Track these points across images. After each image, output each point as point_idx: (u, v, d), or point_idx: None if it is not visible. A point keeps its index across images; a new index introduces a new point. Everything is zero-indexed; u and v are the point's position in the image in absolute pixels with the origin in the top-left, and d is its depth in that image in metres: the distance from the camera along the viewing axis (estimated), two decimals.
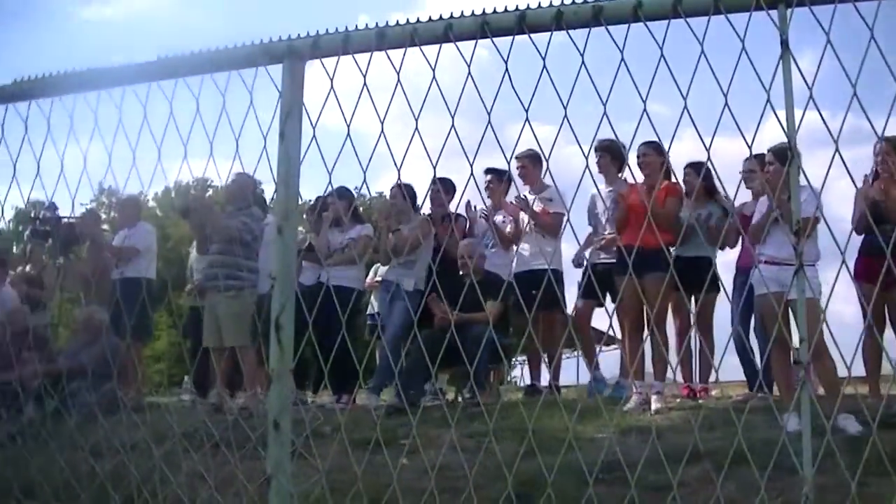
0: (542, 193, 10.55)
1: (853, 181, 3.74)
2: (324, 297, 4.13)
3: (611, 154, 9.85)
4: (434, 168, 3.53)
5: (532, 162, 10.51)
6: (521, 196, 10.62)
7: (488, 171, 10.76)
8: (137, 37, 64.98)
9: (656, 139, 7.76)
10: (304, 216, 11.50)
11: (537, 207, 10.48)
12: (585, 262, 10.40)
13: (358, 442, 5.50)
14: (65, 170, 4.64)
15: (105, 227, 13.65)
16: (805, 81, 3.28)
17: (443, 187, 10.25)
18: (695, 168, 9.41)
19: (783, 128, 3.31)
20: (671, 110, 3.48)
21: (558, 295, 9.33)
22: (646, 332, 9.09)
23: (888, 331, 8.46)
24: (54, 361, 10.46)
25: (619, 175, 9.91)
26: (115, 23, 72.81)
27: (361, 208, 14.08)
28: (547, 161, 3.61)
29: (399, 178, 3.68)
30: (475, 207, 10.78)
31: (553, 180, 10.74)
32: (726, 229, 9.37)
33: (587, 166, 3.47)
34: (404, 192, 9.87)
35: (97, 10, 76.46)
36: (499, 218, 10.91)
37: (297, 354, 3.64)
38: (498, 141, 3.42)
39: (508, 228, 10.74)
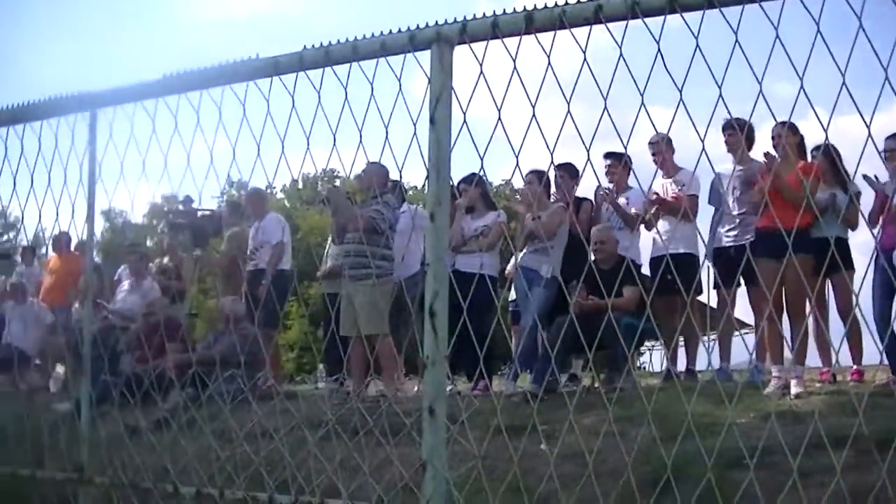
0: (675, 177, 10.45)
1: None
2: (460, 284, 4.13)
3: (740, 131, 9.72)
4: (588, 151, 3.50)
5: (667, 146, 10.38)
6: (651, 195, 10.41)
7: (608, 155, 10.66)
8: (265, 35, 66.26)
9: (789, 120, 7.61)
10: None
11: (672, 191, 10.38)
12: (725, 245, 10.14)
13: (498, 428, 5.50)
14: (192, 164, 4.73)
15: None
16: None
17: (567, 173, 10.21)
18: (822, 150, 9.18)
19: None
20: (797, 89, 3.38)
21: (695, 279, 9.26)
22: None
23: None
24: (193, 351, 10.70)
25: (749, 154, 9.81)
26: (240, 22, 74.26)
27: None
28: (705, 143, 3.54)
29: (553, 162, 3.64)
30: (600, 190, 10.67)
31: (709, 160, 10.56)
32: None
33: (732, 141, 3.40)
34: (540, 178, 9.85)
35: (222, 10, 77.99)
36: (622, 200, 10.80)
37: (450, 342, 3.65)
38: (653, 123, 3.39)
39: (633, 210, 10.59)
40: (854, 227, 9.51)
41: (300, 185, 44.15)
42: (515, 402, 8.36)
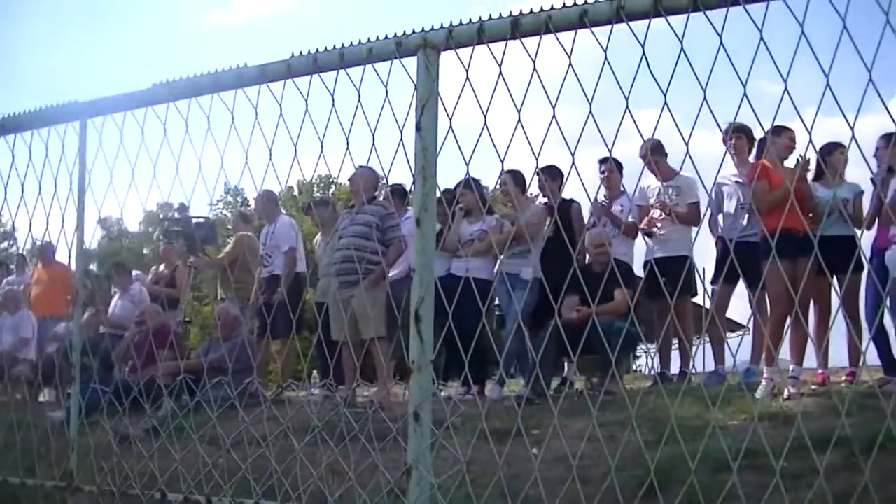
0: (671, 181, 10.31)
1: None
2: (454, 288, 4.13)
3: (745, 135, 9.69)
4: (573, 155, 3.49)
5: (655, 150, 10.10)
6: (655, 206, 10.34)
7: (603, 160, 10.54)
8: (261, 40, 66.70)
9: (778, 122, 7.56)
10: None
11: (669, 196, 10.27)
12: (725, 243, 10.03)
13: (485, 433, 5.47)
14: (182, 173, 4.74)
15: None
16: None
17: (550, 175, 10.07)
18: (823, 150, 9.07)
19: None
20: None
21: (690, 281, 9.26)
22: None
23: None
24: (188, 358, 10.68)
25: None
26: (237, 26, 74.70)
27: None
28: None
29: (538, 167, 3.62)
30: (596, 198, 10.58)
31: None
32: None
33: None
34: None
35: (222, 15, 78.41)
36: (617, 208, 10.75)
37: (436, 346, 3.65)
38: (638, 128, 3.38)
39: (630, 218, 10.52)
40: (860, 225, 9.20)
41: (296, 192, 44.11)
42: (507, 407, 8.33)
